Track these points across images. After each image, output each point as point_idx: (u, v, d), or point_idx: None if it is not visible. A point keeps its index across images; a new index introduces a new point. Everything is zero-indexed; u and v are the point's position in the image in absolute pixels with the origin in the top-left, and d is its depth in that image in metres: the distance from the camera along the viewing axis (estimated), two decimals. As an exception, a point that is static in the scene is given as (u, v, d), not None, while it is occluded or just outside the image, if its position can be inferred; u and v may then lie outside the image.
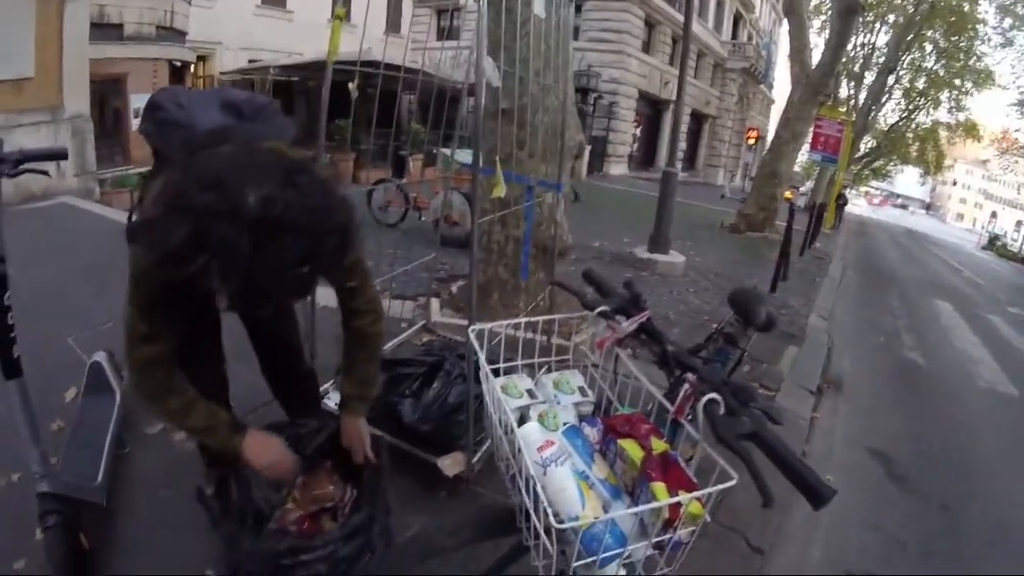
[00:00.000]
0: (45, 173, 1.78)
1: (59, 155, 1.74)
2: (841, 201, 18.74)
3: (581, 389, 1.25)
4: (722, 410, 1.02)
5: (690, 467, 1.06)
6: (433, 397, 2.21)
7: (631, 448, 1.05)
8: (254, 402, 1.93)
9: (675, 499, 0.94)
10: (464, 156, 3.89)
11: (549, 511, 0.89)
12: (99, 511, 2.04)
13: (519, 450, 0.97)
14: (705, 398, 1.01)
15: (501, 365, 1.17)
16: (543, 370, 1.30)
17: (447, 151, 3.53)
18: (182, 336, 1.39)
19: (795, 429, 3.84)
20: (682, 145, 25.08)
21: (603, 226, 9.50)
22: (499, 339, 1.20)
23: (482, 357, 1.14)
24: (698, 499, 0.96)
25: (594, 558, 0.93)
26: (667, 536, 0.99)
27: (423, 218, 7.36)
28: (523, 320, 1.33)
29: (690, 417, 1.08)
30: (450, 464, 2.15)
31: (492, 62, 1.95)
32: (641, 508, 0.94)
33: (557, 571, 0.95)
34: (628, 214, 11.47)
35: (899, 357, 6.69)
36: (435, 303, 3.39)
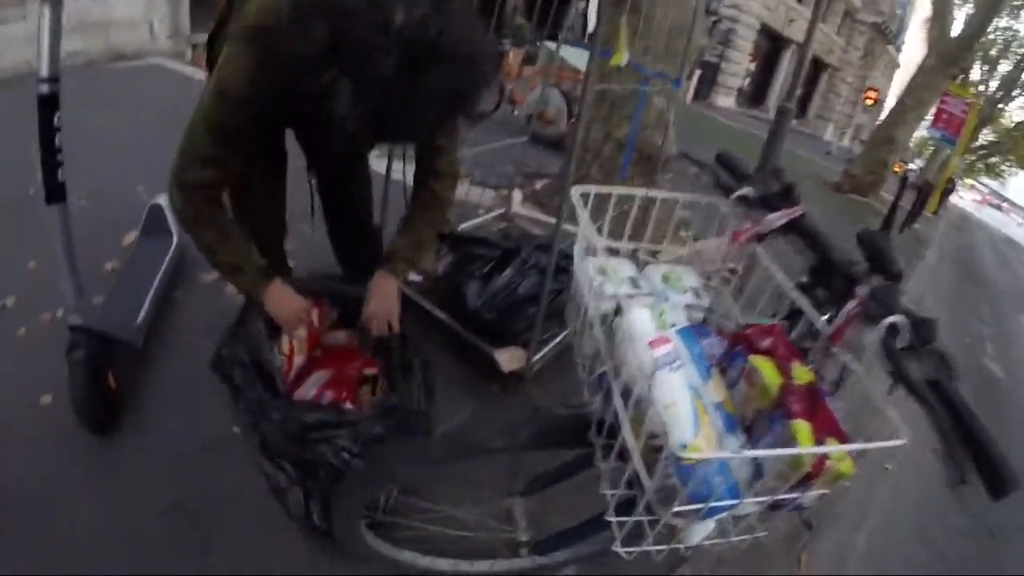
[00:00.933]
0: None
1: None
2: (950, 186, 17.30)
3: (695, 291, 0.99)
4: (902, 342, 0.75)
5: (838, 408, 0.80)
6: (502, 284, 1.97)
7: (767, 370, 0.78)
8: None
9: (824, 448, 0.69)
10: (569, 53, 3.55)
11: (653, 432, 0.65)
12: (134, 352, 1.96)
13: (619, 342, 0.73)
14: (886, 322, 0.74)
15: (601, 243, 0.89)
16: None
17: (551, 44, 3.21)
18: (248, 173, 1.35)
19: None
20: (797, 91, 23.54)
21: (704, 153, 8.92)
22: (604, 214, 0.93)
23: (585, 215, 0.88)
24: (850, 454, 0.71)
25: (700, 506, 0.69)
26: (793, 496, 0.74)
27: (516, 112, 6.94)
28: (638, 192, 1.05)
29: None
30: (508, 358, 1.93)
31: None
32: (780, 452, 0.67)
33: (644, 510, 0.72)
34: (730, 147, 10.69)
35: (979, 364, 6.24)
36: (517, 194, 3.11)
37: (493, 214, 2.90)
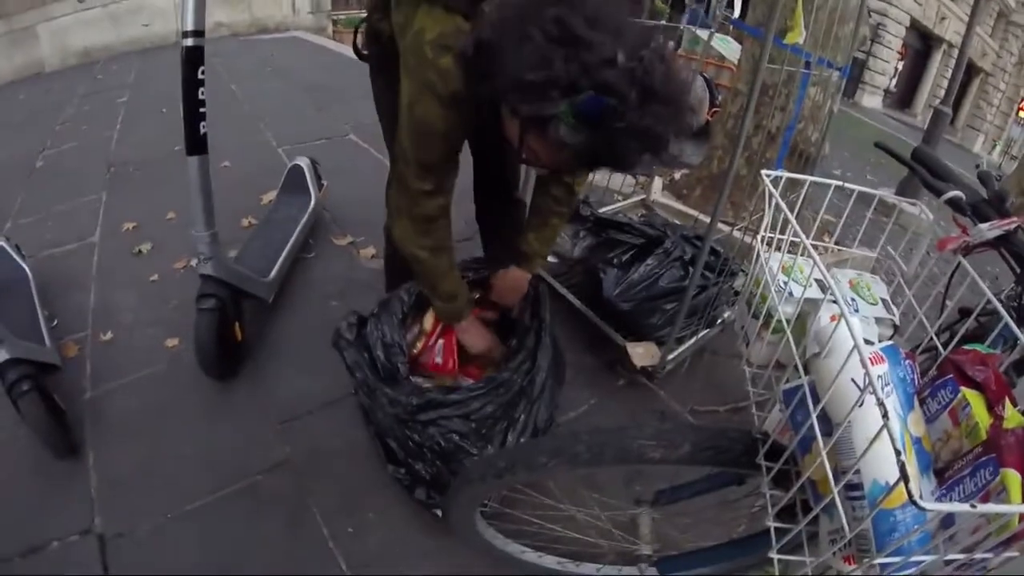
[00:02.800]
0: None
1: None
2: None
3: (885, 303, 0.86)
4: None
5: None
6: (643, 275, 1.85)
7: (979, 406, 0.67)
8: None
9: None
10: (718, 42, 3.35)
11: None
12: (263, 306, 2.03)
13: (818, 354, 0.63)
14: None
15: (806, 239, 0.76)
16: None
17: (697, 30, 3.04)
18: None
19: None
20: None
21: (847, 154, 8.31)
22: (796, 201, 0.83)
23: (782, 204, 0.78)
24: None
25: (900, 559, 0.58)
26: (982, 556, 0.62)
27: None
28: (832, 183, 0.93)
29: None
30: (642, 353, 1.83)
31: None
32: (1007, 509, 0.55)
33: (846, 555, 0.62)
34: (876, 150, 9.89)
35: None
36: (657, 181, 2.97)
37: (631, 200, 2.78)
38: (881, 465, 0.60)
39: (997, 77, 26.14)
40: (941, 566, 0.64)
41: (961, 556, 0.62)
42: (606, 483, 1.18)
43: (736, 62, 3.56)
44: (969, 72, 25.19)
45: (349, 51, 6.77)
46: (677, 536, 1.10)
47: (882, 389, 0.61)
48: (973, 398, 0.67)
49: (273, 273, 2.05)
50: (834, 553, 0.64)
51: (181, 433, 1.69)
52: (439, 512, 1.35)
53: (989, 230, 0.82)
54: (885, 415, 0.53)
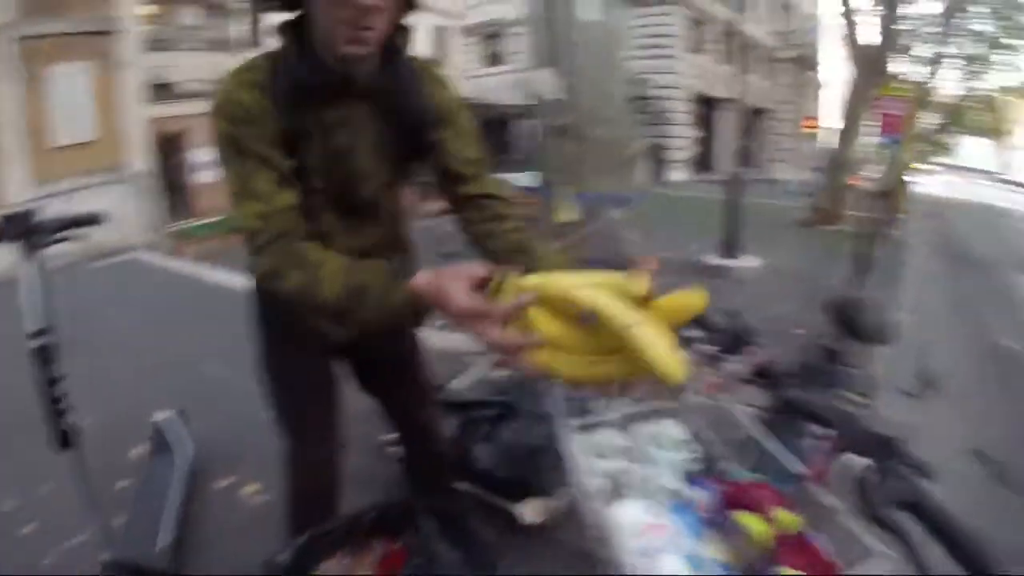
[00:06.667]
0: (94, 228, 1.71)
1: (94, 220, 1.68)
2: (910, 182, 17.73)
3: (685, 443, 1.05)
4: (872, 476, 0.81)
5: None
6: (509, 440, 2.02)
7: (754, 524, 0.85)
8: None
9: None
10: (519, 180, 3.71)
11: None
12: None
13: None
14: (858, 465, 0.81)
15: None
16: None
17: (504, 176, 3.34)
18: None
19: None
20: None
21: (666, 234, 9.07)
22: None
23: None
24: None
25: None
26: None
27: None
28: None
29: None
30: (530, 512, 1.95)
31: (551, 74, 1.77)
32: None
33: None
34: (693, 220, 10.85)
35: (995, 346, 6.18)
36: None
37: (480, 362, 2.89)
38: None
39: (778, 111, 29.99)
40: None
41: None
42: None
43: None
44: (755, 115, 28.79)
45: (187, 267, 6.74)
46: None
47: (665, 550, 0.79)
48: (750, 520, 0.86)
49: (166, 539, 2.02)
50: None
51: None
52: None
53: (743, 367, 1.03)
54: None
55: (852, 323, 1.78)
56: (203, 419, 2.87)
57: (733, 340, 1.09)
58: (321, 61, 1.09)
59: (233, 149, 1.08)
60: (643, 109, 19.73)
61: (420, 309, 0.96)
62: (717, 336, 1.10)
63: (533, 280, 0.87)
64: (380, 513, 1.58)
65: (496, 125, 3.34)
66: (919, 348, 5.23)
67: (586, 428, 1.06)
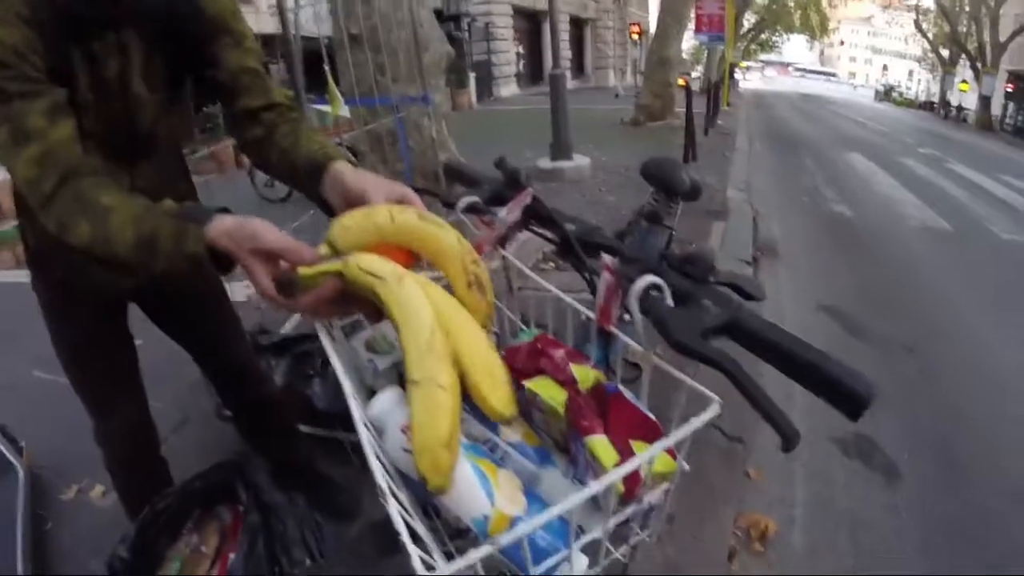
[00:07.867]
0: None
1: None
2: (733, 76, 18.89)
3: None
4: (669, 299, 0.65)
5: (640, 395, 0.70)
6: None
7: (546, 390, 0.67)
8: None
9: (627, 466, 0.57)
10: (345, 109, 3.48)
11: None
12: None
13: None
14: (640, 285, 0.64)
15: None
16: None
17: (319, 107, 3.10)
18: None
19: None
20: (567, 53, 24.32)
21: (501, 146, 8.98)
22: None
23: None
24: (666, 450, 0.61)
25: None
26: (629, 510, 0.63)
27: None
28: None
29: (627, 318, 0.70)
30: None
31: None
32: (564, 506, 0.54)
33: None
34: (526, 129, 10.83)
35: (826, 211, 6.74)
36: None
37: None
38: (470, 506, 0.60)
39: (604, 18, 30.58)
40: (603, 536, 0.64)
41: (594, 535, 0.63)
42: None
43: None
44: (580, 26, 29.16)
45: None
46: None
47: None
48: (540, 386, 0.68)
49: (20, 563, 1.75)
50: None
51: None
52: None
53: (508, 214, 0.85)
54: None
55: (668, 180, 1.71)
56: (32, 430, 2.42)
57: (503, 187, 0.91)
58: None
59: None
60: (465, 27, 19.39)
61: (223, 261, 0.80)
62: (484, 188, 0.91)
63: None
64: (208, 478, 1.47)
65: (316, 58, 3.09)
66: (752, 220, 5.55)
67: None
